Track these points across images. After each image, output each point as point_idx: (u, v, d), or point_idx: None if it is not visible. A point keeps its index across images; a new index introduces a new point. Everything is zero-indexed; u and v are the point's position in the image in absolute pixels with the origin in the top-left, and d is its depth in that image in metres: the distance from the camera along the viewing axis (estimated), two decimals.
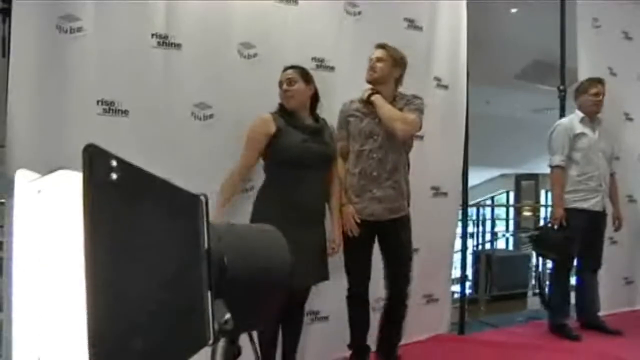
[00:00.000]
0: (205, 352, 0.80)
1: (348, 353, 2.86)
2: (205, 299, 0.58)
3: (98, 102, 2.44)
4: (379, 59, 2.66)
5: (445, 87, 3.47)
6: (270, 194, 2.46)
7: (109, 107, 2.46)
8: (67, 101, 2.38)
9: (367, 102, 2.64)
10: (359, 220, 2.63)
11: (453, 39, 3.54)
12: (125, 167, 0.52)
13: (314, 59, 2.97)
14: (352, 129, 2.70)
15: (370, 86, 2.69)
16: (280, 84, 2.53)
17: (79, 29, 2.41)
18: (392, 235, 2.67)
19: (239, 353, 0.78)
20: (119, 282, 0.50)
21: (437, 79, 3.44)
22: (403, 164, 2.70)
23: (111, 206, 0.50)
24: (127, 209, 0.52)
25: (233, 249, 0.68)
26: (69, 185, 0.58)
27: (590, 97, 3.63)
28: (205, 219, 0.60)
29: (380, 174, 2.62)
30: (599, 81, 3.69)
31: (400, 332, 2.82)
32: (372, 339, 2.86)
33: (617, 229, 3.83)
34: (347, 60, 3.03)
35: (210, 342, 0.58)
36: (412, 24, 3.32)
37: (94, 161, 0.49)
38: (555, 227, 3.52)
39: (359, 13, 3.12)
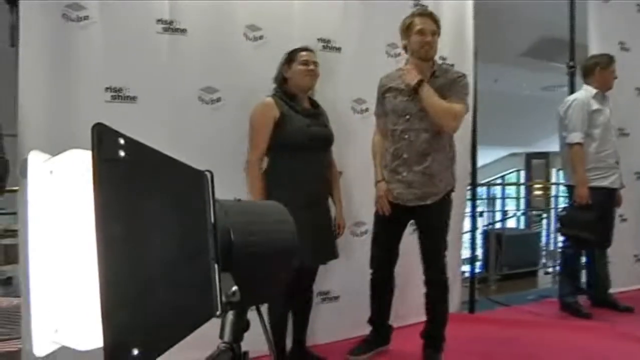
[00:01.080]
0: (215, 327, 0.83)
1: (358, 333, 2.89)
2: (212, 271, 0.60)
3: (106, 89, 2.47)
4: (434, 33, 2.48)
5: (451, 65, 3.44)
6: (275, 178, 2.46)
7: (117, 94, 2.48)
8: (76, 89, 2.41)
9: (414, 90, 2.45)
10: (390, 199, 2.57)
11: (459, 18, 3.51)
12: (132, 144, 0.54)
13: (320, 39, 2.97)
14: (388, 105, 2.58)
15: (406, 64, 2.56)
16: (306, 63, 2.50)
17: (86, 17, 2.43)
18: (421, 220, 2.62)
19: (247, 327, 0.81)
20: (129, 256, 0.52)
21: (443, 58, 3.40)
22: (441, 146, 2.54)
23: (120, 182, 0.52)
24: (135, 185, 0.54)
25: (240, 224, 0.70)
26: (80, 164, 0.60)
27: (612, 72, 3.60)
28: (211, 194, 0.62)
29: (410, 157, 2.52)
30: (613, 58, 3.66)
31: (439, 316, 2.68)
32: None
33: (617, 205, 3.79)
34: (354, 40, 3.02)
35: (218, 313, 0.61)
36: (417, 2, 3.28)
37: (103, 139, 0.51)
38: (583, 206, 3.48)
39: None
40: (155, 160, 0.56)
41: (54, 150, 0.68)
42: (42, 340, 0.63)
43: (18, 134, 2.31)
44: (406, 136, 2.52)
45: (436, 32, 2.50)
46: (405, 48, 2.58)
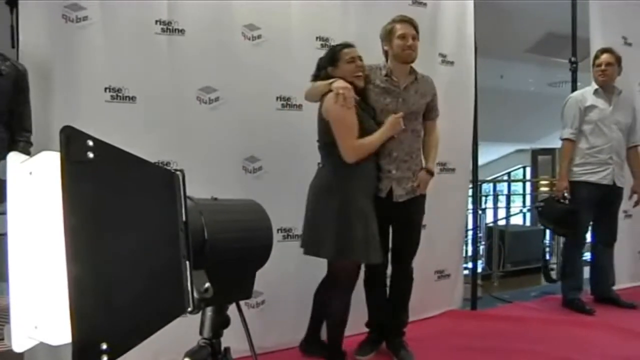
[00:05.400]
0: (196, 323, 0.84)
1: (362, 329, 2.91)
2: (183, 268, 0.62)
3: (106, 89, 2.49)
4: (414, 37, 2.58)
5: (451, 63, 3.44)
6: (346, 171, 2.43)
7: (117, 94, 2.50)
8: (76, 89, 2.44)
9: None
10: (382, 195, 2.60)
11: (459, 14, 3.50)
12: (101, 146, 0.56)
13: (318, 38, 2.97)
14: (374, 101, 2.60)
15: (385, 69, 2.63)
16: (352, 60, 2.49)
17: (85, 18, 2.45)
18: (405, 215, 2.66)
19: (227, 323, 0.82)
20: (97, 254, 0.54)
21: (442, 55, 3.41)
22: (419, 145, 2.70)
23: (89, 183, 0.54)
24: (105, 186, 0.56)
25: (214, 223, 0.71)
26: (55, 166, 0.62)
27: (596, 67, 3.60)
28: (182, 193, 0.63)
29: (399, 155, 2.60)
30: (604, 51, 3.62)
31: (407, 311, 2.83)
32: None
33: (636, 203, 3.74)
34: (352, 38, 3.00)
35: (190, 309, 0.62)
36: (416, 0, 3.28)
37: (71, 141, 0.53)
38: (560, 199, 3.52)
39: None
40: (125, 162, 0.58)
41: (55, 149, 0.70)
42: (20, 337, 0.65)
43: None
44: (395, 136, 2.57)
45: (416, 37, 2.60)
46: (386, 54, 2.67)
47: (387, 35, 2.62)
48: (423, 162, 2.72)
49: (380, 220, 2.60)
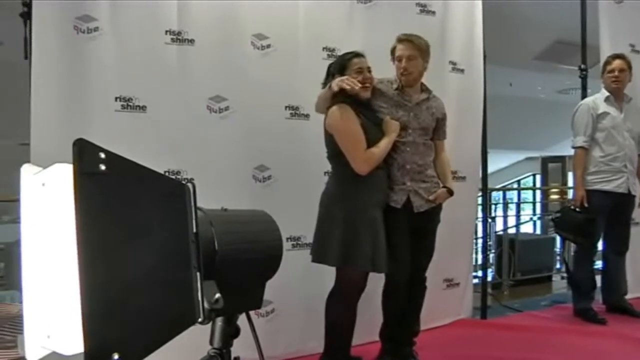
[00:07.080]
0: (206, 333, 0.85)
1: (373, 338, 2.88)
2: (194, 279, 0.62)
3: (116, 98, 2.51)
4: (410, 57, 2.54)
5: (461, 70, 3.44)
6: (356, 182, 2.42)
7: (127, 103, 2.53)
8: (87, 99, 2.47)
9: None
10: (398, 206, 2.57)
11: (468, 22, 3.50)
12: (113, 158, 0.56)
13: (325, 48, 2.98)
14: (386, 113, 2.58)
15: (395, 82, 2.60)
16: (360, 71, 2.45)
17: (96, 29, 2.48)
18: (424, 223, 2.67)
19: (237, 334, 0.83)
20: (109, 265, 0.54)
21: (452, 62, 3.41)
22: (431, 155, 2.70)
23: (101, 195, 0.55)
24: (117, 198, 0.57)
25: (224, 234, 0.72)
26: (67, 178, 0.63)
27: (608, 74, 3.57)
28: (192, 204, 0.64)
29: (412, 167, 2.59)
30: (616, 57, 3.60)
31: (419, 320, 2.83)
32: None
33: None
34: (359, 48, 3.02)
35: (200, 319, 0.63)
36: (424, 8, 3.29)
37: (83, 154, 0.54)
38: (576, 208, 3.50)
39: (370, 0, 3.12)
40: (136, 173, 0.59)
41: (66, 158, 0.71)
42: (34, 346, 0.66)
43: (31, 143, 2.37)
44: (408, 149, 2.59)
45: (414, 57, 2.55)
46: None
47: (391, 55, 2.64)
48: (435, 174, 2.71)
49: (401, 232, 2.59)
